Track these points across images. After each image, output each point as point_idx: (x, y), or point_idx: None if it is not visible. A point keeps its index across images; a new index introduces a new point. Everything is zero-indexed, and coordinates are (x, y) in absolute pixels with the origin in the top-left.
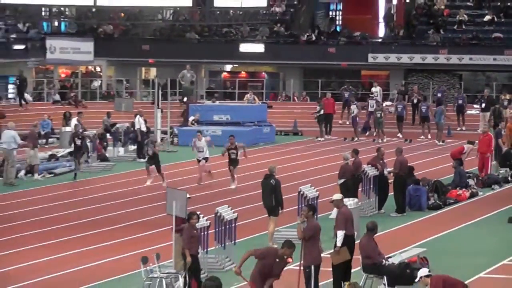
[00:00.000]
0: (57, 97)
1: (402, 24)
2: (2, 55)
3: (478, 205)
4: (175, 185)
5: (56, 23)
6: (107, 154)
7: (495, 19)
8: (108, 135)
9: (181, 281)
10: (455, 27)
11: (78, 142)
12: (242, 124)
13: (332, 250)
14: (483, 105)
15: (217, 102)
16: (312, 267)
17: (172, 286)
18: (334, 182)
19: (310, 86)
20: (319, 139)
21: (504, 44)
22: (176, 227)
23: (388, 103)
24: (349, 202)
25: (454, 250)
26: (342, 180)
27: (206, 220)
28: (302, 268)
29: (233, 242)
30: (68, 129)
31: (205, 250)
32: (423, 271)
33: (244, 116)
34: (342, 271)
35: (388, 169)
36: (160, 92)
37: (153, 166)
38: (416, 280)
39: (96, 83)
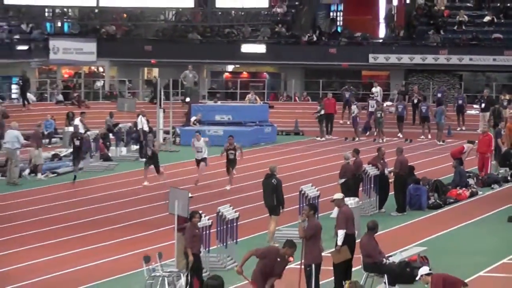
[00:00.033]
0: (60, 97)
1: (402, 25)
2: (6, 55)
3: (478, 205)
4: (175, 185)
5: (59, 24)
6: (109, 154)
7: (495, 20)
8: (110, 135)
9: (183, 279)
10: (455, 27)
11: (77, 142)
12: (244, 124)
13: (333, 249)
14: (483, 105)
15: (219, 102)
16: (313, 266)
17: (174, 285)
18: (335, 181)
19: (311, 86)
20: (317, 138)
21: (504, 45)
22: (179, 226)
23: (389, 103)
24: (350, 201)
25: (454, 249)
26: (343, 180)
27: (208, 219)
28: (303, 267)
29: (234, 241)
30: (71, 129)
31: (207, 249)
32: (424, 269)
33: (245, 116)
34: (343, 270)
35: (389, 169)
36: (159, 92)
37: (152, 167)
38: (417, 278)
39: (99, 83)
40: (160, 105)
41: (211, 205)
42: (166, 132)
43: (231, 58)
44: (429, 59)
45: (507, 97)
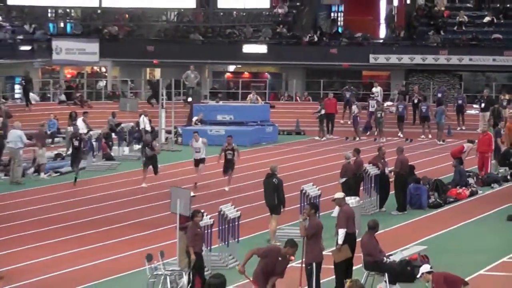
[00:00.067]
0: (63, 97)
1: (403, 25)
2: (9, 56)
3: (478, 204)
4: (175, 184)
5: (62, 25)
6: (112, 154)
7: (495, 20)
8: (113, 135)
9: (185, 278)
10: (455, 28)
11: (76, 143)
12: (245, 124)
13: (333, 248)
14: (483, 105)
15: (221, 102)
16: (314, 265)
17: (176, 283)
18: (336, 181)
19: (312, 86)
20: (316, 138)
21: (504, 45)
22: (181, 225)
23: (389, 103)
24: (351, 200)
25: (454, 247)
26: (344, 179)
27: (210, 218)
28: (303, 265)
29: (236, 240)
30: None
31: (208, 247)
32: (425, 267)
33: (247, 116)
34: (343, 269)
35: (389, 168)
36: (160, 92)
37: (151, 167)
38: (418, 276)
39: (102, 84)
40: (160, 103)
41: (212, 205)
42: (168, 132)
43: (233, 58)
44: (429, 59)
45: (507, 97)
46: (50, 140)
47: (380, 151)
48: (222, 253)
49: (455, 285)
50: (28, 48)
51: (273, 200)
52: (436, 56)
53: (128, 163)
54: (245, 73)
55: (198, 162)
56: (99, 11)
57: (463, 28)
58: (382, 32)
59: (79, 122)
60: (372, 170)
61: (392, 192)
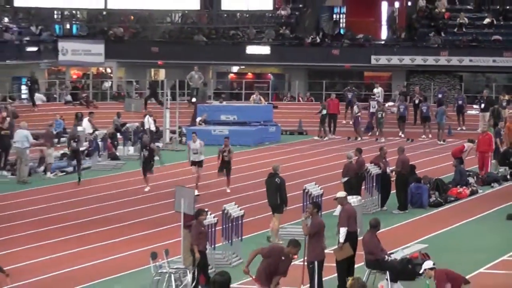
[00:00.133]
0: (69, 97)
1: (404, 27)
2: (16, 56)
3: (478, 203)
4: (178, 184)
5: (68, 26)
6: (117, 153)
7: (495, 22)
8: (118, 135)
9: (189, 276)
10: (455, 29)
11: (74, 144)
12: (249, 124)
13: (335, 247)
14: (483, 105)
15: (224, 103)
16: (316, 263)
17: (180, 281)
18: (338, 180)
19: (314, 87)
20: (315, 138)
21: (503, 46)
22: (186, 223)
23: (391, 103)
24: (353, 199)
25: (454, 246)
26: (345, 178)
27: (214, 217)
28: (306, 263)
29: (239, 238)
30: (79, 128)
31: (212, 246)
32: (427, 264)
33: (250, 116)
34: (345, 267)
35: (391, 168)
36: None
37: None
38: (421, 271)
39: (107, 84)
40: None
41: (213, 204)
42: (173, 132)
43: (236, 59)
44: (430, 60)
45: (506, 97)
46: (56, 140)
47: (382, 150)
48: (226, 251)
49: (456, 282)
50: (34, 49)
51: (275, 199)
52: (437, 57)
53: (133, 163)
54: (249, 74)
55: (196, 163)
56: (104, 12)
57: (464, 29)
58: (384, 33)
59: (85, 122)
60: (374, 170)
61: (393, 191)
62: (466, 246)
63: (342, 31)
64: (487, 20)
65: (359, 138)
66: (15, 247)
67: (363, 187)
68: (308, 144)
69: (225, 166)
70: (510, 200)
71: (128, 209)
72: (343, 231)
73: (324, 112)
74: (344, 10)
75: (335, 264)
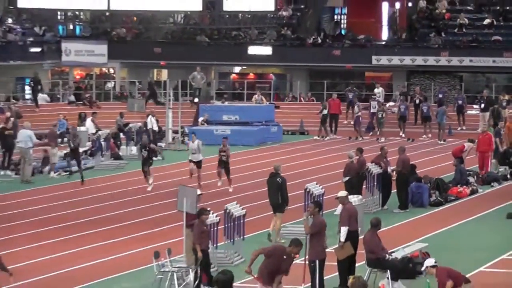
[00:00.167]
0: (72, 98)
1: (404, 28)
2: (19, 57)
3: (478, 202)
4: (173, 185)
5: (71, 27)
6: (120, 153)
7: (495, 22)
8: (121, 135)
9: (191, 275)
10: (455, 30)
11: (72, 145)
12: (251, 124)
13: (336, 246)
14: (483, 105)
15: (226, 103)
16: (317, 262)
17: (183, 280)
18: (339, 179)
19: (316, 87)
20: (315, 138)
21: (503, 47)
22: (188, 222)
23: (391, 103)
24: (354, 199)
25: (455, 245)
26: (347, 178)
27: (216, 216)
28: (307, 262)
29: (241, 237)
30: (83, 128)
31: (214, 245)
32: (429, 261)
33: (252, 116)
34: (346, 266)
35: (391, 167)
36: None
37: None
38: (422, 269)
39: (110, 85)
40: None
41: (215, 204)
42: (175, 132)
43: (238, 59)
44: (431, 60)
45: (506, 97)
46: (60, 140)
47: (383, 150)
48: (228, 251)
49: (457, 281)
50: (38, 50)
51: (277, 199)
52: (437, 57)
53: (135, 163)
54: (250, 74)
55: (194, 163)
56: (107, 13)
57: (464, 30)
58: (385, 34)
59: (88, 122)
60: (375, 169)
61: (394, 190)
62: (466, 245)
63: (343, 32)
64: (487, 21)
65: (360, 138)
66: (15, 247)
67: (364, 186)
68: (309, 144)
69: (223, 166)
70: (510, 199)
71: (130, 208)
72: (344, 230)
73: (325, 112)
74: (345, 11)
75: (336, 263)
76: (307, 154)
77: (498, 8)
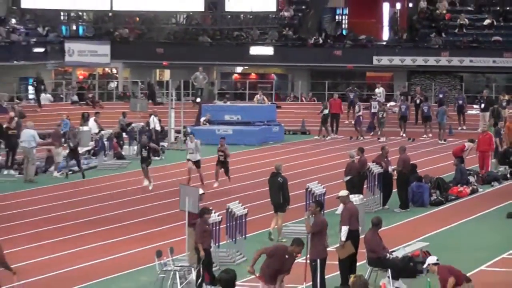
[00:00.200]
0: (75, 98)
1: (405, 28)
2: (23, 57)
3: (478, 201)
4: (176, 184)
5: (74, 27)
6: (123, 153)
7: (495, 23)
8: (124, 134)
9: (193, 274)
10: (456, 30)
11: (71, 144)
12: (252, 124)
13: (337, 245)
14: (483, 105)
15: (228, 103)
16: (318, 261)
17: (185, 279)
18: (340, 179)
19: (317, 87)
20: (315, 137)
21: (503, 47)
22: (190, 221)
23: (392, 103)
24: (355, 198)
25: (455, 244)
26: (348, 177)
27: (218, 215)
28: (308, 261)
29: (243, 236)
30: (85, 128)
31: (216, 244)
32: (431, 259)
33: (254, 116)
34: (347, 265)
35: (392, 167)
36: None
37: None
38: (424, 266)
39: (113, 85)
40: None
41: (217, 203)
42: (178, 132)
43: (240, 60)
44: (431, 61)
45: (506, 97)
46: (63, 139)
47: (383, 150)
48: (230, 250)
49: (458, 279)
50: (41, 50)
51: (278, 198)
52: (438, 57)
53: (138, 162)
54: (252, 74)
55: (193, 163)
56: (110, 14)
57: (464, 30)
58: (385, 34)
59: (91, 122)
60: (376, 169)
61: (395, 190)
62: (466, 244)
63: (344, 32)
64: (487, 21)
65: (361, 138)
66: (14, 247)
67: (365, 186)
68: (311, 144)
69: (221, 166)
70: (510, 199)
71: (133, 207)
72: (344, 229)
73: (326, 111)
74: (346, 11)
75: (337, 262)
76: (308, 154)
77: (498, 8)
